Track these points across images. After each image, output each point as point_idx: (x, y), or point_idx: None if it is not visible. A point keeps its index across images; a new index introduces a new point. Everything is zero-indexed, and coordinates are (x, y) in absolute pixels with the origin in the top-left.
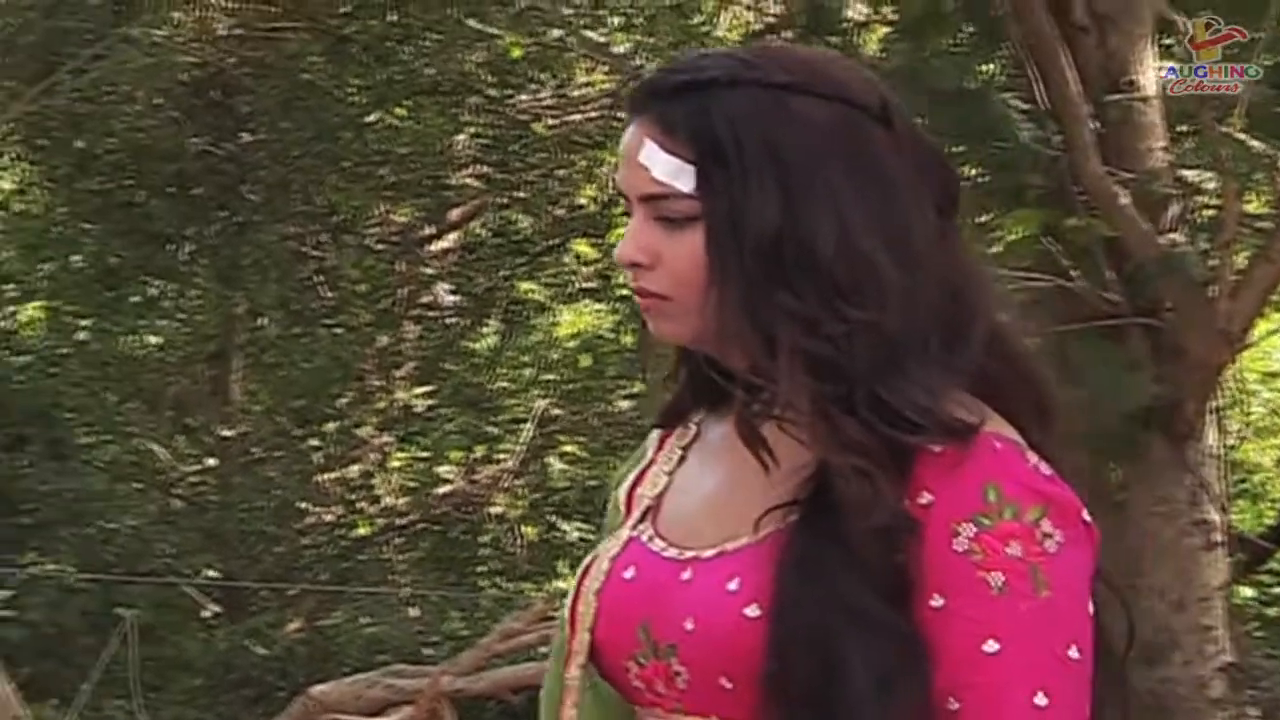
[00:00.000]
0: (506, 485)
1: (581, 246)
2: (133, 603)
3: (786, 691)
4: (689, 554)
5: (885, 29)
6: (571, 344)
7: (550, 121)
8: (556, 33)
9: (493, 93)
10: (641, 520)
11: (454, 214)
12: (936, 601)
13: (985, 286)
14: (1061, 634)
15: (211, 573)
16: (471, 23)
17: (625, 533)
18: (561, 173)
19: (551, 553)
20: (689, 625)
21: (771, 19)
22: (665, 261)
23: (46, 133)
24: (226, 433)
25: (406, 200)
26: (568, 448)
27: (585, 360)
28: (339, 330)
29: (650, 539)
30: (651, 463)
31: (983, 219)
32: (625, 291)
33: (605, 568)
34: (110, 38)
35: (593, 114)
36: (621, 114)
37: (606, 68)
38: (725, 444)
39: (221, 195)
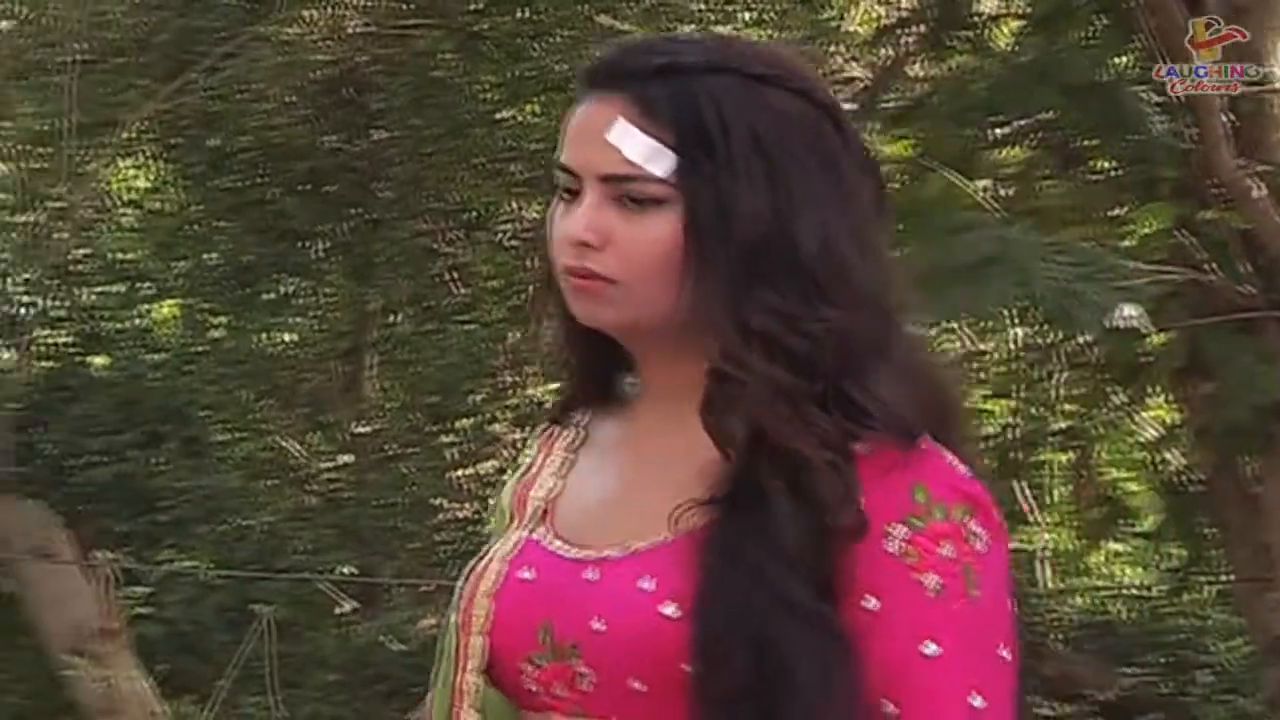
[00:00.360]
0: None
1: None
2: (269, 599)
3: (718, 691)
4: (592, 553)
5: (1017, 23)
6: None
7: None
8: (687, 28)
9: None
10: (535, 522)
11: None
12: (870, 603)
13: (898, 289)
14: (994, 635)
15: (347, 569)
16: (602, 19)
17: (519, 534)
18: None
19: None
20: (597, 625)
21: (903, 13)
22: (619, 244)
23: (180, 131)
24: (361, 429)
25: (538, 197)
26: None
27: None
28: (471, 326)
29: (548, 540)
30: (538, 466)
31: (1116, 212)
32: None
33: (500, 569)
34: (242, 36)
35: None
36: None
37: None
38: (622, 442)
39: (354, 192)
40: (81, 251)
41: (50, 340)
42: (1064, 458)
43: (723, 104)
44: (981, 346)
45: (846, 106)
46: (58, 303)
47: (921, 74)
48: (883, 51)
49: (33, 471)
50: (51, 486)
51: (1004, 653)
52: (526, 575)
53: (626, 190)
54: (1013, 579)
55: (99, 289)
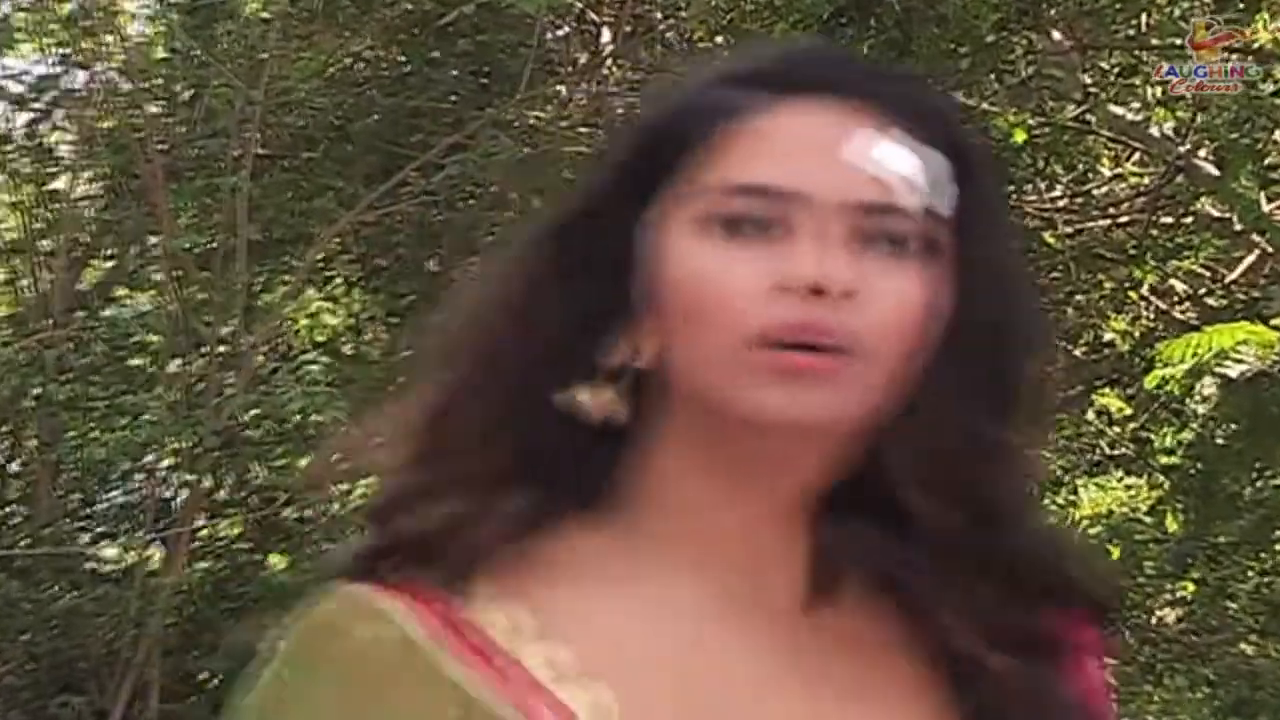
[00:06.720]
0: None
1: (1108, 399)
2: None
3: None
4: None
5: None
6: (1095, 529)
7: (1065, 229)
8: (1074, 109)
9: None
10: None
11: None
12: None
13: None
14: None
15: None
16: (959, 96)
17: None
18: (1080, 298)
19: None
20: None
21: None
22: (872, 300)
23: (389, 249)
24: None
25: None
26: None
27: (1115, 551)
28: None
29: None
30: (485, 654)
31: None
32: (1169, 460)
33: None
34: (474, 122)
35: (1123, 219)
36: (1165, 218)
37: (1141, 155)
38: (707, 618)
39: None
40: (254, 412)
41: (213, 533)
42: None
43: (964, 129)
44: None
45: None
46: (223, 482)
47: None
48: None
49: (184, 710)
50: None
51: None
52: None
53: (882, 228)
54: None
55: (278, 462)
